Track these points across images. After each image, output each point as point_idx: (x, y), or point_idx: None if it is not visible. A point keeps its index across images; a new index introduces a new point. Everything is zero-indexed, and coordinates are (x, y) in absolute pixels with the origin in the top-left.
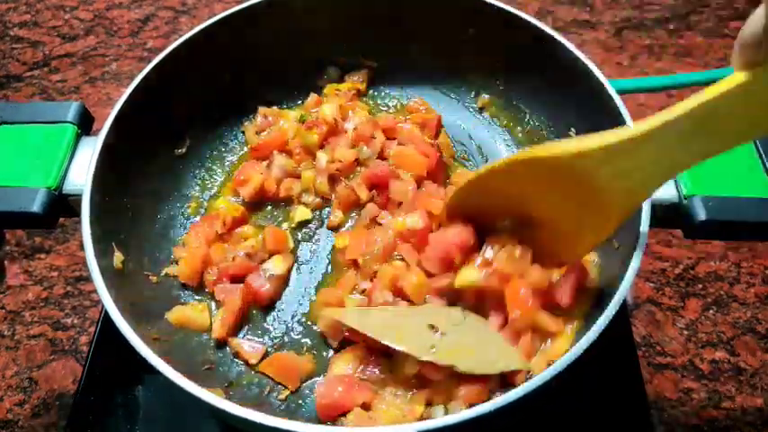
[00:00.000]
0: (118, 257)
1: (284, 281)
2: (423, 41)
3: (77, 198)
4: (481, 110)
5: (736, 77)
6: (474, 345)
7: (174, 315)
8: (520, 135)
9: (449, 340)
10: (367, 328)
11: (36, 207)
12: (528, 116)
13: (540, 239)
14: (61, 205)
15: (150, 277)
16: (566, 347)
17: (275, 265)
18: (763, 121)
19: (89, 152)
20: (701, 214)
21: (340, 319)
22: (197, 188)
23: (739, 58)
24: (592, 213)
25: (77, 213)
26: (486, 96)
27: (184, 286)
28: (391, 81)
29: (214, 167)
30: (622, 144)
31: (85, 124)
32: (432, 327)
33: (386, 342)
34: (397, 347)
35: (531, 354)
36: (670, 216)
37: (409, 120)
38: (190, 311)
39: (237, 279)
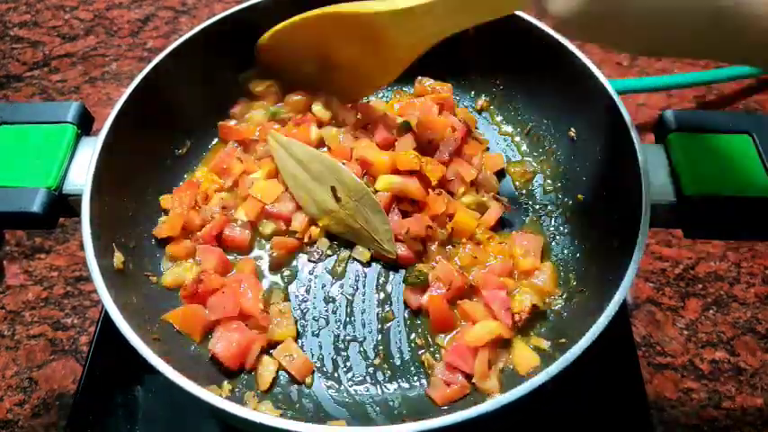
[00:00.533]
0: (118, 258)
1: (254, 226)
2: None
3: (77, 198)
4: (481, 110)
5: None
6: (364, 222)
7: (169, 278)
8: (520, 135)
9: (345, 212)
10: (283, 167)
11: (36, 207)
12: (528, 116)
13: (339, 80)
14: (61, 205)
15: (150, 277)
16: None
17: (242, 213)
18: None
19: (89, 152)
20: (701, 214)
21: (270, 138)
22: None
23: None
24: (382, 60)
25: (77, 213)
26: (486, 96)
27: None
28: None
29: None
30: (409, 11)
31: (85, 124)
32: (334, 192)
33: (290, 188)
34: (297, 199)
35: (485, 373)
36: (670, 216)
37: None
38: (180, 270)
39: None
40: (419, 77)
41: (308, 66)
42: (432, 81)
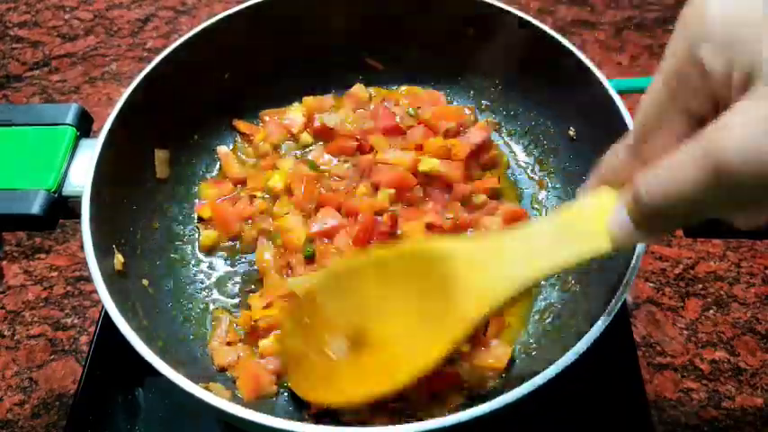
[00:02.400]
0: (118, 259)
1: None
2: (422, 41)
3: (77, 200)
4: (481, 110)
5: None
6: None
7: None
8: (519, 134)
9: None
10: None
11: (35, 209)
12: (527, 116)
13: (370, 363)
14: (61, 207)
15: (151, 278)
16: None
17: None
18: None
19: (88, 154)
20: None
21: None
22: (198, 189)
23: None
24: (439, 320)
25: (77, 215)
26: (485, 96)
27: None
28: (390, 81)
29: (216, 167)
30: (492, 242)
31: (85, 126)
32: None
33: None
34: None
35: None
36: None
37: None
38: None
39: None
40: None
41: (338, 344)
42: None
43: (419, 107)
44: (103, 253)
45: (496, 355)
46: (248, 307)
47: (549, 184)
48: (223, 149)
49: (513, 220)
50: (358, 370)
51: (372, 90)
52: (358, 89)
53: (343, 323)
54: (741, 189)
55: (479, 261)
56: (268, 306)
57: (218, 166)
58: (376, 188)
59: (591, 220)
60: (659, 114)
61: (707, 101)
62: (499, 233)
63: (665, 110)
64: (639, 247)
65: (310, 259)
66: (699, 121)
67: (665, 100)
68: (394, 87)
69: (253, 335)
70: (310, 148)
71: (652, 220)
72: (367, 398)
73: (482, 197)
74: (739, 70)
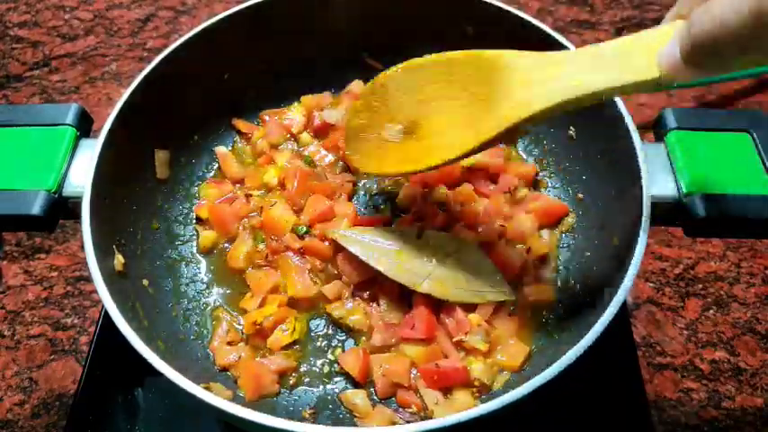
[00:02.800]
0: (119, 260)
1: None
2: (422, 41)
3: (77, 200)
4: None
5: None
6: (467, 274)
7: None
8: (518, 134)
9: (443, 270)
10: (363, 254)
11: (36, 210)
12: None
13: (416, 148)
14: (61, 208)
15: (151, 278)
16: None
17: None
18: None
19: (89, 154)
20: (702, 212)
21: (337, 239)
22: (198, 189)
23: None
24: (478, 115)
25: (77, 216)
26: None
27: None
28: None
29: (215, 167)
30: (544, 56)
31: (85, 126)
32: (426, 255)
33: (380, 269)
34: (393, 277)
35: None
36: (670, 214)
37: None
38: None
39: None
40: None
41: (395, 128)
42: None
43: None
44: (103, 253)
45: (512, 353)
46: (241, 311)
47: (550, 184)
48: (221, 149)
49: (551, 214)
50: (405, 152)
51: None
52: (356, 86)
53: (403, 115)
54: None
55: (530, 73)
56: (262, 304)
57: (217, 166)
58: None
59: (646, 49)
60: None
61: None
62: (558, 52)
63: None
64: (639, 249)
65: (301, 237)
66: None
67: None
68: None
69: (258, 335)
70: (309, 145)
71: (698, 52)
72: (407, 171)
73: (524, 191)
74: None
